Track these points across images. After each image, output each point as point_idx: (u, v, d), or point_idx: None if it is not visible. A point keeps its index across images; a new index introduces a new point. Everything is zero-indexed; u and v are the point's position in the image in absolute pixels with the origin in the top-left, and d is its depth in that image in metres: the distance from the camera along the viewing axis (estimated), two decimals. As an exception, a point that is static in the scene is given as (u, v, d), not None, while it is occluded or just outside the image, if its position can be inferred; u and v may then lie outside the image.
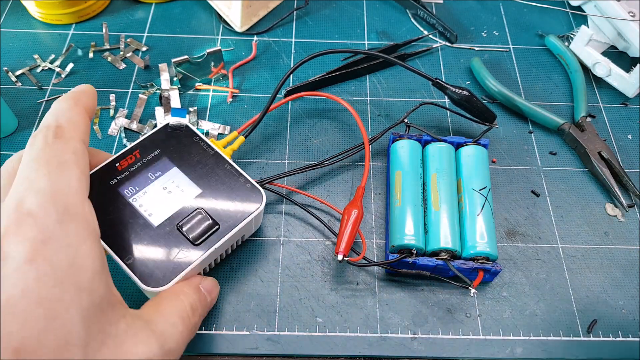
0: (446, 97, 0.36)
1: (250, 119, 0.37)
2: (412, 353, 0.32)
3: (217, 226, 0.29)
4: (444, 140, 0.37)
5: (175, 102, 0.41)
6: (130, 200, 0.30)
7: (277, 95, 0.43)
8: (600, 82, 0.45)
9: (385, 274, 0.34)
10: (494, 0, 0.51)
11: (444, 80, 0.44)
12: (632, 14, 0.42)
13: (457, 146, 0.37)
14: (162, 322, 0.25)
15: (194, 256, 0.28)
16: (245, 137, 0.36)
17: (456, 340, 0.32)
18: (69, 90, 0.42)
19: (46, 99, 0.42)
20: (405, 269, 0.33)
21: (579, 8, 0.47)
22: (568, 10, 0.49)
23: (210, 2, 0.47)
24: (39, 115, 0.41)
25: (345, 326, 0.32)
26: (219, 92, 0.43)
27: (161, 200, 0.30)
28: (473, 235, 0.33)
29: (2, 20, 0.47)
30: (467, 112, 0.39)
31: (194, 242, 0.29)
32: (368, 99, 0.43)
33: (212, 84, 0.43)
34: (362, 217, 0.33)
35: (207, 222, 0.29)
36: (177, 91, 0.42)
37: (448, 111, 0.42)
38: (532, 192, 0.39)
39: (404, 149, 0.36)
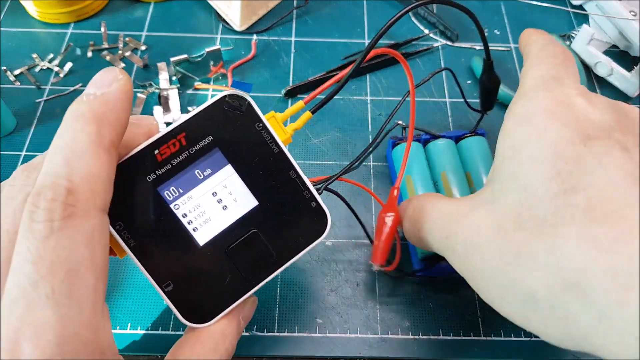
0: (483, 76, 0.34)
1: (319, 87, 0.27)
2: (413, 354, 0.31)
3: (272, 255, 0.25)
4: (443, 136, 0.37)
5: (174, 102, 0.41)
6: (172, 206, 0.23)
7: (277, 95, 0.43)
8: (601, 82, 0.45)
9: (390, 282, 0.34)
10: (495, -1, 0.51)
11: (444, 79, 0.44)
12: (633, 13, 0.42)
13: (456, 139, 0.37)
14: None
15: (242, 290, 0.24)
16: (313, 113, 0.27)
17: (457, 341, 0.32)
18: (75, 88, 0.42)
19: (45, 98, 0.42)
20: (438, 274, 0.32)
21: (580, 7, 0.47)
22: (569, 9, 0.48)
23: (209, 1, 0.47)
24: (38, 115, 0.41)
25: (346, 327, 0.32)
26: (218, 92, 0.43)
27: (209, 211, 0.24)
28: None
29: (0, 19, 0.47)
30: (481, 94, 0.37)
31: (243, 273, 0.24)
32: (368, 98, 0.43)
33: (212, 83, 0.43)
34: (399, 221, 0.29)
35: (262, 250, 0.24)
36: (176, 90, 0.42)
37: (449, 109, 0.42)
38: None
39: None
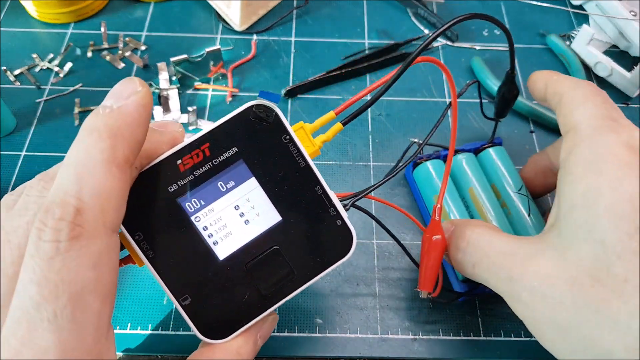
0: (504, 86, 0.34)
1: (354, 95, 0.26)
2: (413, 354, 0.31)
3: (293, 273, 0.24)
4: (462, 150, 0.36)
5: (174, 102, 0.41)
6: (193, 218, 0.23)
7: (277, 94, 0.43)
8: (601, 82, 0.45)
9: (390, 286, 0.34)
10: (495, -1, 0.51)
11: (443, 80, 0.44)
12: (633, 13, 0.42)
13: (475, 151, 0.37)
14: None
15: (261, 308, 0.24)
16: (344, 125, 0.25)
17: (457, 341, 0.32)
18: (74, 88, 0.42)
19: (44, 98, 0.42)
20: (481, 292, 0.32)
21: (580, 7, 0.47)
22: (569, 9, 0.48)
23: (209, 1, 0.47)
24: (37, 115, 0.41)
25: (345, 327, 0.32)
26: (218, 92, 0.43)
27: (230, 225, 0.23)
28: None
29: (0, 19, 0.47)
30: (498, 102, 0.37)
31: (263, 291, 0.24)
32: (368, 98, 0.43)
33: (212, 83, 0.43)
34: (446, 244, 0.27)
35: (283, 268, 0.24)
36: (176, 90, 0.42)
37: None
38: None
39: (431, 172, 0.35)
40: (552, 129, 0.42)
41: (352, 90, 0.43)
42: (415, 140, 0.37)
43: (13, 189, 0.37)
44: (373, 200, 0.37)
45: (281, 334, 0.32)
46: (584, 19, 0.49)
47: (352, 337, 0.32)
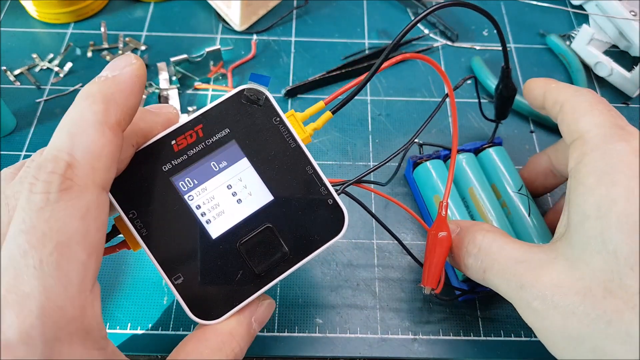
0: (501, 84, 0.34)
1: (342, 87, 0.26)
2: (413, 354, 0.31)
3: (287, 253, 0.24)
4: (462, 150, 0.36)
5: (174, 102, 0.41)
6: (186, 197, 0.23)
7: (277, 95, 0.43)
8: (601, 82, 0.45)
9: (391, 287, 0.34)
10: (495, -1, 0.51)
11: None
12: (633, 13, 0.42)
13: (475, 151, 0.37)
14: None
15: (254, 288, 0.24)
16: (334, 114, 0.26)
17: (457, 341, 0.32)
18: (74, 88, 0.42)
19: (44, 98, 0.42)
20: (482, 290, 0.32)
21: (580, 7, 0.47)
22: (569, 9, 0.48)
23: (209, 1, 0.47)
24: (37, 115, 0.41)
25: (346, 327, 0.32)
26: (218, 92, 0.43)
27: (223, 204, 0.24)
28: (530, 238, 0.32)
29: (0, 19, 0.47)
30: (497, 103, 0.37)
31: (256, 269, 0.24)
32: (368, 98, 0.43)
33: (212, 83, 0.43)
34: (451, 241, 0.27)
35: (276, 246, 0.24)
36: (176, 90, 0.42)
37: (448, 109, 0.42)
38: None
39: (431, 172, 0.35)
40: (552, 129, 0.42)
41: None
42: (417, 140, 0.37)
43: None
44: (373, 200, 0.37)
45: (281, 334, 0.32)
46: (584, 19, 0.49)
47: (352, 337, 0.32)
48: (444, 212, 0.27)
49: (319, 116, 0.26)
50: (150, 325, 0.32)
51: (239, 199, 0.24)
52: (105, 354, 0.19)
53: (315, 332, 0.32)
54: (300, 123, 0.25)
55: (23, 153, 0.39)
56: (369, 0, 0.50)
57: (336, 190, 0.25)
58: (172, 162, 0.23)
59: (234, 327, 0.23)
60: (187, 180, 0.23)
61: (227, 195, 0.24)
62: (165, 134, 0.23)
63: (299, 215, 0.24)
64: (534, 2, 0.50)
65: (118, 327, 0.32)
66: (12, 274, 0.16)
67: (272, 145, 0.24)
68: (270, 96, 0.24)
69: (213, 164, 0.24)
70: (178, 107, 0.41)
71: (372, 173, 0.39)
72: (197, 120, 0.23)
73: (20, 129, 0.40)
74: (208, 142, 0.24)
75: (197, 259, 0.23)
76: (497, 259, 0.24)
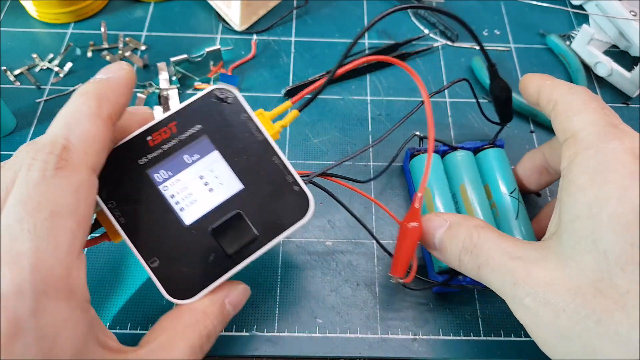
0: (491, 85, 0.34)
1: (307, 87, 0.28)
2: (413, 354, 0.31)
3: (256, 236, 0.25)
4: (462, 148, 0.36)
5: (175, 102, 0.41)
6: (161, 187, 0.25)
7: (277, 95, 0.43)
8: (601, 82, 0.45)
9: (389, 285, 0.34)
10: (495, -1, 0.51)
11: (444, 79, 0.44)
12: (633, 13, 0.42)
13: (475, 151, 0.37)
14: None
15: (225, 268, 0.25)
16: (300, 111, 0.28)
17: (457, 341, 0.32)
18: (74, 88, 0.42)
19: (44, 98, 0.42)
20: (456, 287, 0.32)
21: (580, 7, 0.47)
22: (569, 9, 0.48)
23: (209, 1, 0.47)
24: (37, 114, 0.41)
25: (346, 327, 0.32)
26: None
27: (196, 193, 0.25)
28: None
29: (0, 19, 0.47)
30: (496, 105, 0.37)
31: (227, 252, 0.25)
32: (368, 98, 0.43)
33: (212, 83, 0.43)
34: (422, 232, 0.28)
35: (246, 230, 0.25)
36: (176, 90, 0.42)
37: (449, 109, 0.42)
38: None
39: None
40: (552, 129, 0.41)
41: (352, 90, 0.43)
42: (417, 133, 0.37)
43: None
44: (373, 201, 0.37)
45: (281, 334, 0.32)
46: (584, 19, 0.49)
47: (352, 337, 0.32)
48: (417, 204, 0.28)
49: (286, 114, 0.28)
50: (150, 325, 0.32)
51: (211, 188, 0.26)
52: (86, 316, 0.20)
53: (315, 332, 0.32)
54: (269, 120, 0.27)
55: (23, 153, 0.39)
56: (369, 0, 0.50)
57: (304, 181, 0.27)
58: (148, 156, 0.25)
59: (207, 306, 0.24)
60: (162, 172, 0.25)
61: (199, 185, 0.26)
62: (142, 130, 0.25)
63: (267, 201, 0.26)
64: (534, 2, 0.50)
65: (118, 328, 0.32)
66: (8, 238, 0.18)
67: (240, 138, 0.26)
68: (239, 94, 0.26)
69: (186, 157, 0.26)
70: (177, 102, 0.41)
71: (372, 173, 0.39)
72: (171, 118, 0.26)
73: (21, 129, 0.40)
74: (181, 137, 0.26)
75: (171, 244, 0.25)
76: (493, 256, 0.24)
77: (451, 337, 0.32)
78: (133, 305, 0.32)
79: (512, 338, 0.32)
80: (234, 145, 0.26)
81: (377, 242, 0.33)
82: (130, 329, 0.32)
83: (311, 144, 0.40)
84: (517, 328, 0.33)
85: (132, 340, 0.31)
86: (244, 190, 0.26)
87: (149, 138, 0.25)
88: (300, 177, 0.26)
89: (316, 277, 0.34)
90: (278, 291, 0.33)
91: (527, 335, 0.32)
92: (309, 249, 0.35)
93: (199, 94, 0.26)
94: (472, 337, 0.32)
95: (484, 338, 0.32)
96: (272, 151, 0.26)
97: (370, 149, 0.40)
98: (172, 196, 0.25)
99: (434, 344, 0.32)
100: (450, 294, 0.34)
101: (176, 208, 0.25)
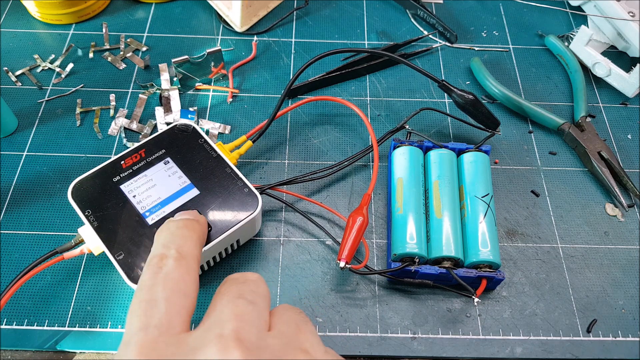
0: (451, 99, 0.35)
1: (257, 124, 0.38)
2: (412, 353, 0.32)
3: (209, 229, 0.30)
4: (446, 147, 0.37)
5: (176, 102, 0.41)
6: (129, 196, 0.31)
7: (277, 96, 0.43)
8: (600, 82, 0.45)
9: (387, 282, 0.34)
10: (494, 0, 0.51)
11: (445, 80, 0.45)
12: (631, 14, 0.42)
13: (459, 152, 0.37)
14: None
15: None
16: (253, 142, 0.37)
17: (456, 340, 0.32)
18: (76, 89, 0.42)
19: (46, 99, 0.42)
20: (408, 278, 0.33)
21: (578, 8, 0.47)
22: (568, 10, 0.49)
23: (210, 2, 0.47)
24: (39, 115, 0.41)
25: (345, 326, 0.32)
26: (219, 92, 0.43)
27: (159, 200, 0.31)
28: (475, 243, 0.33)
29: (2, 20, 0.47)
30: (471, 116, 0.38)
31: None
32: (368, 99, 0.43)
33: (212, 83, 0.43)
34: (367, 225, 0.32)
35: None
36: (177, 91, 0.42)
37: (449, 116, 0.42)
38: (532, 192, 0.39)
39: (406, 156, 0.36)
40: (550, 130, 0.42)
41: (351, 91, 0.44)
42: (407, 127, 0.38)
43: (15, 189, 0.37)
44: (318, 205, 0.37)
45: (281, 333, 0.32)
46: (582, 19, 0.49)
47: (352, 335, 0.32)
48: (364, 202, 0.33)
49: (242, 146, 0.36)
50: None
51: (172, 195, 0.32)
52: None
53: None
54: (227, 151, 0.35)
55: (24, 153, 0.39)
56: (368, 1, 0.50)
57: (260, 192, 0.34)
58: (121, 174, 0.32)
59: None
60: (131, 185, 0.32)
61: (162, 194, 0.32)
62: (116, 157, 0.33)
63: (221, 201, 0.32)
64: (533, 3, 0.50)
65: (119, 327, 0.32)
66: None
67: (198, 156, 0.33)
68: (196, 126, 0.35)
69: (151, 173, 0.32)
70: (179, 107, 0.41)
71: (372, 173, 0.39)
72: (141, 146, 0.33)
73: (22, 130, 0.40)
74: (148, 159, 0.33)
75: (136, 240, 0.30)
76: None
77: (450, 336, 0.32)
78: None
79: (512, 337, 0.32)
80: (193, 162, 0.33)
81: (328, 234, 0.35)
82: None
83: (311, 144, 0.40)
84: (517, 328, 0.33)
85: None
86: (201, 195, 0.32)
87: (122, 162, 0.33)
88: (257, 189, 0.33)
89: (316, 276, 0.34)
90: (278, 290, 0.34)
91: (526, 335, 0.32)
92: (309, 248, 0.35)
93: (164, 129, 0.34)
94: (471, 336, 0.32)
95: (483, 337, 0.32)
96: (225, 164, 0.33)
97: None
98: (139, 203, 0.31)
99: (433, 343, 0.32)
100: (450, 294, 0.34)
101: (142, 212, 0.31)
